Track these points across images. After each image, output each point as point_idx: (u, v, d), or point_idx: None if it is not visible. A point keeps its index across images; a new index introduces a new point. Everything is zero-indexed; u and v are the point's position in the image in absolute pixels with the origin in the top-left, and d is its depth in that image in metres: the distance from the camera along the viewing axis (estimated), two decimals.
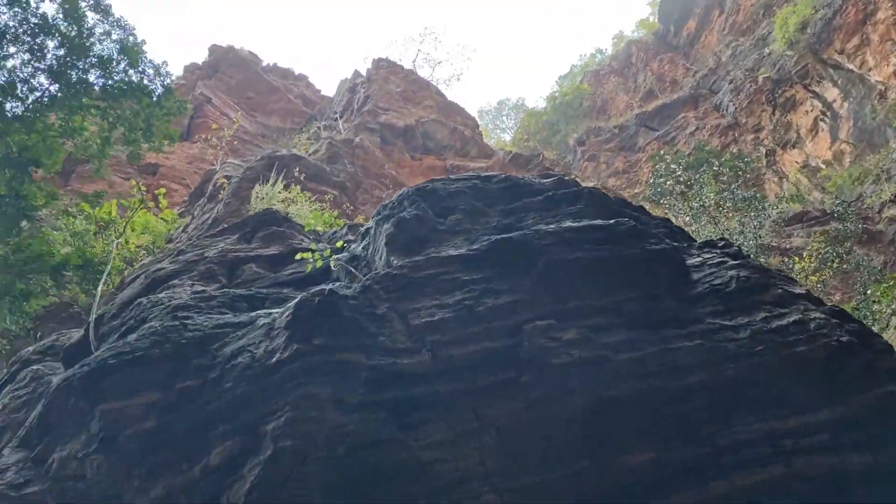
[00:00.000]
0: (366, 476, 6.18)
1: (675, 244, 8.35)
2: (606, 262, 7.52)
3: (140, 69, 24.58)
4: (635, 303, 7.28)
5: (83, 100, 23.59)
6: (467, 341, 6.97)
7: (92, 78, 24.04)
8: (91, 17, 24.35)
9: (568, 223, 8.20)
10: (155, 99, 24.65)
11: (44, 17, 23.44)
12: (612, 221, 8.10)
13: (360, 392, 6.68)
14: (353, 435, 6.34)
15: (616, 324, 7.10)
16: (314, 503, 6.07)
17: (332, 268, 10.01)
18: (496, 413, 6.47)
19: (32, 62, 23.45)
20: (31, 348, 12.24)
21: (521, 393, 6.58)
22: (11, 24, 22.82)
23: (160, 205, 25.08)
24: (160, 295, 10.00)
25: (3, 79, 22.40)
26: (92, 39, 23.97)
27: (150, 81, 24.61)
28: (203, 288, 10.12)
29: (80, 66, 23.68)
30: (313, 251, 9.86)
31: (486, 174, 10.42)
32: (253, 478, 6.25)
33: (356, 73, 43.98)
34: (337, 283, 8.50)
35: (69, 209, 23.82)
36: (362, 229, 11.09)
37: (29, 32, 23.15)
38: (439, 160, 34.12)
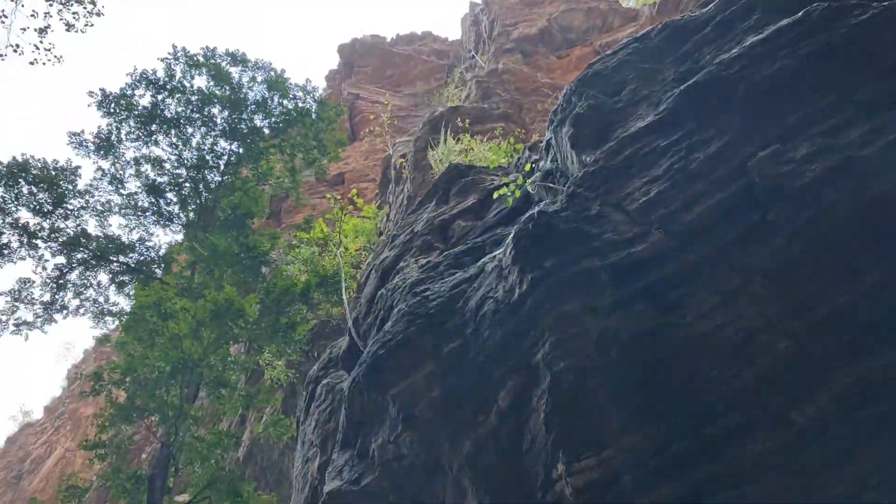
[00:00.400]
0: (649, 369, 6.10)
1: (887, 1, 7.12)
2: (813, 58, 6.62)
3: (291, 96, 26.17)
4: (866, 86, 6.34)
5: (260, 144, 25.65)
6: (694, 202, 6.56)
7: (258, 122, 26.05)
8: (234, 72, 26.27)
9: (751, 39, 7.34)
10: (314, 116, 26.12)
11: (200, 90, 25.75)
12: (800, 14, 7.10)
13: (609, 293, 6.58)
14: (619, 336, 6.28)
15: (851, 118, 6.24)
16: (610, 411, 6.11)
17: (531, 192, 9.95)
18: (755, 260, 6.03)
19: (210, 133, 25.89)
20: (315, 367, 13.70)
21: (773, 230, 6.06)
22: (180, 109, 25.33)
23: (358, 206, 26.66)
24: (394, 281, 10.64)
25: (195, 157, 25.00)
26: (243, 90, 25.91)
27: (302, 102, 26.10)
28: (426, 259, 10.58)
29: (245, 118, 25.75)
30: (507, 184, 9.87)
31: (641, 33, 9.66)
32: (544, 407, 6.44)
33: (473, 5, 43.12)
34: (542, 204, 8.43)
35: (291, 242, 26.15)
36: (542, 144, 10.88)
37: (195, 109, 25.54)
38: (587, 46, 32.47)
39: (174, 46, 25.82)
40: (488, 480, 6.73)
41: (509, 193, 9.70)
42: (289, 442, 20.97)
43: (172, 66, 25.89)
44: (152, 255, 26.62)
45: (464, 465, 7.08)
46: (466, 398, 7.46)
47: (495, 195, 10.26)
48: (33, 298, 24.80)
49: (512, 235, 7.68)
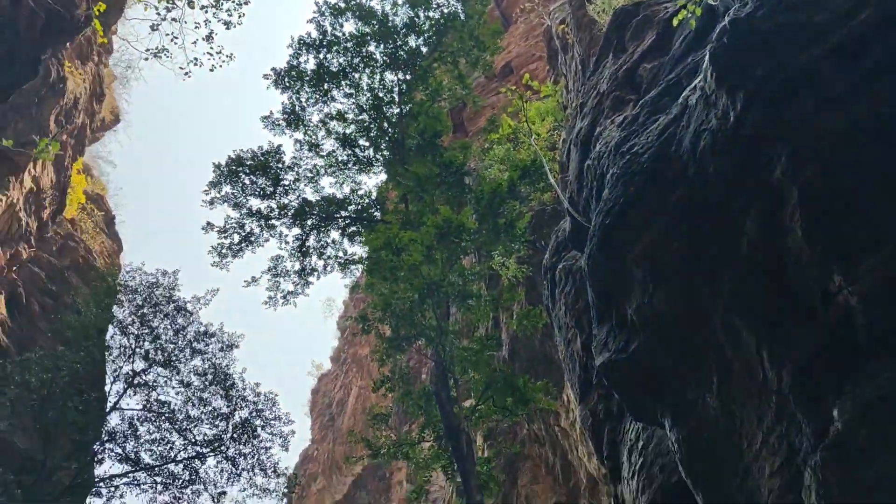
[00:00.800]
0: None
1: None
2: None
3: (434, 6, 25.87)
4: None
5: (422, 64, 25.89)
6: None
7: (413, 44, 26.16)
8: (375, 4, 26.47)
9: None
10: (462, 17, 25.68)
11: (352, 35, 26.37)
12: None
13: (840, 81, 5.82)
14: (864, 125, 5.57)
15: None
16: (878, 205, 5.49)
17: (714, 3, 8.96)
18: None
19: (374, 71, 26.58)
20: (546, 255, 13.95)
21: None
22: (341, 59, 26.22)
23: (535, 88, 26.05)
24: (596, 149, 10.33)
25: (370, 98, 25.93)
26: (389, 18, 26.09)
27: (447, 8, 25.71)
28: (622, 115, 10.11)
29: (399, 44, 26.00)
30: (685, 6, 8.98)
31: None
32: (799, 223, 5.97)
33: None
34: (731, 11, 7.56)
35: (483, 147, 26.39)
36: None
37: (354, 54, 26.29)
38: None
39: (317, 3, 26.58)
40: (760, 314, 6.46)
41: (690, 14, 8.82)
42: (544, 329, 21.81)
43: (322, 23, 26.77)
44: (366, 200, 28.50)
45: (729, 305, 6.85)
46: (710, 240, 7.14)
47: (675, 22, 9.41)
48: (287, 270, 27.92)
49: (708, 57, 7.02)
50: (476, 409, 21.24)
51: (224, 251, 27.06)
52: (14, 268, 26.89)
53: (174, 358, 27.31)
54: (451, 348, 21.01)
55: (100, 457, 26.41)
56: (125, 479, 26.46)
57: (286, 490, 28.74)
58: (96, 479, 26.38)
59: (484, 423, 23.09)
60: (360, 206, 28.25)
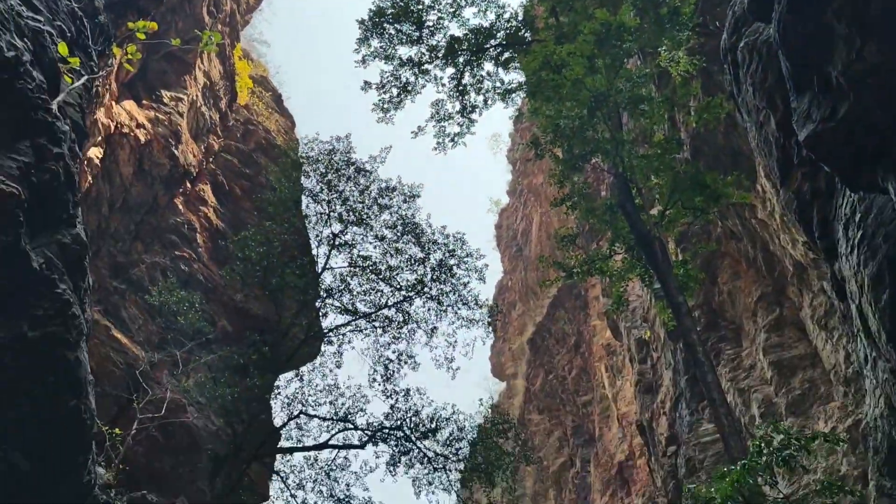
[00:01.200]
0: None
1: None
2: None
3: None
4: None
5: None
6: None
7: None
8: None
9: None
10: None
11: None
12: None
13: None
14: None
15: None
16: None
17: None
18: None
19: None
20: (724, 36, 12.65)
21: None
22: None
23: None
24: None
25: None
26: None
27: None
28: None
29: None
30: None
31: None
32: None
33: None
34: None
35: None
36: None
37: None
38: None
39: None
40: None
41: None
42: (726, 120, 20.36)
43: None
44: (514, 23, 27.27)
45: None
46: None
47: None
48: (449, 113, 28.02)
49: None
50: (664, 214, 20.73)
51: (386, 105, 27.60)
52: (210, 159, 29.43)
53: (365, 216, 29.11)
54: (629, 158, 20.34)
55: (323, 312, 29.60)
56: (349, 328, 29.61)
57: (489, 319, 30.63)
58: (325, 330, 29.76)
59: (674, 228, 22.59)
60: (508, 31, 27.14)
